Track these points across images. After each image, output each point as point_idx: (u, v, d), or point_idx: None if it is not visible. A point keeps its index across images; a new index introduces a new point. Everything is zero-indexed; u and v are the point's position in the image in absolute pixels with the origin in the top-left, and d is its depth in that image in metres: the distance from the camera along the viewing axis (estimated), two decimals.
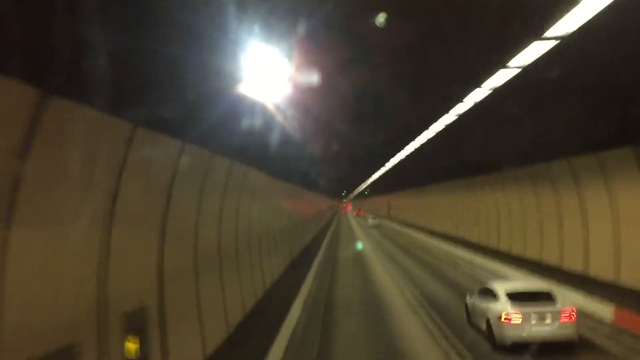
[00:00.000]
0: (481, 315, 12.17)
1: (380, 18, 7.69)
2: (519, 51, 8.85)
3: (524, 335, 10.68)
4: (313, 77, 9.71)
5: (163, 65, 6.38)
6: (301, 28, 7.27)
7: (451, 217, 37.42)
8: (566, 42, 8.13)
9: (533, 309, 10.79)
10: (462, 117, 14.44)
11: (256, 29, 6.62)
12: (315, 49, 8.55)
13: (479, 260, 25.32)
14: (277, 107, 10.97)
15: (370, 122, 17.12)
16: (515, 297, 11.23)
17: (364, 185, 68.34)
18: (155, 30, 5.62)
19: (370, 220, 67.73)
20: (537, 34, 8.06)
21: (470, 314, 13.34)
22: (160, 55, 5.97)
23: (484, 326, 11.88)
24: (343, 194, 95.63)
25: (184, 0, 5.36)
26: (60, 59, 4.87)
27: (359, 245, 38.86)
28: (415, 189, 48.39)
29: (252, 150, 13.18)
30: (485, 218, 28.75)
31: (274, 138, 13.30)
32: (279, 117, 11.67)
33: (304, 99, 11.39)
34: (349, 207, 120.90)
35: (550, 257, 19.70)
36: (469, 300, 13.60)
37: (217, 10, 5.85)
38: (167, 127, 7.71)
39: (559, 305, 10.91)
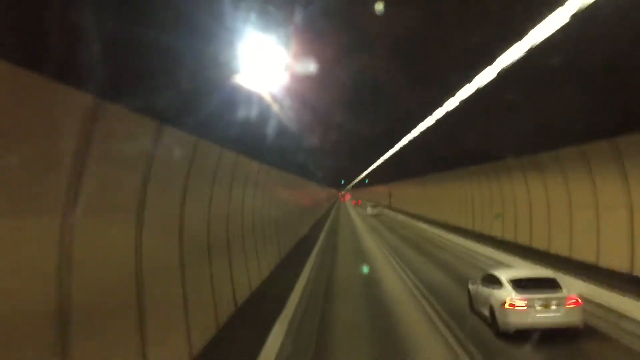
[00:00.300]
0: (484, 302, 12.05)
1: (379, 5, 7.55)
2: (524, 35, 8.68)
3: (528, 321, 10.59)
4: (311, 66, 9.57)
5: (158, 53, 6.23)
6: (299, 16, 7.12)
7: (463, 207, 34.11)
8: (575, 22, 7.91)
9: (538, 295, 10.71)
10: (467, 101, 13.86)
11: (253, 16, 6.46)
12: (313, 38, 8.40)
13: (512, 260, 20.04)
14: (274, 97, 10.82)
15: (369, 111, 17.01)
16: (520, 284, 11.15)
17: (363, 175, 66.52)
18: (150, 17, 5.49)
19: (370, 210, 66.47)
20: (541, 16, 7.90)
21: (472, 301, 13.19)
22: (155, 43, 5.83)
23: (487, 313, 11.77)
24: (342, 184, 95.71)
25: None
26: (54, 46, 4.77)
27: (360, 242, 33.33)
28: (419, 177, 45.45)
29: (249, 140, 13.05)
30: (509, 210, 25.26)
31: (271, 128, 13.16)
32: (276, 107, 11.52)
33: (302, 88, 11.25)
34: (347, 197, 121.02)
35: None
36: (471, 286, 13.43)
37: None
38: (161, 116, 7.56)
39: (564, 292, 10.84)
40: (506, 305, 10.74)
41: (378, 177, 62.81)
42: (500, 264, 19.02)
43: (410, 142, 24.33)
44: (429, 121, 18.27)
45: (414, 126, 20.20)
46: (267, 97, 10.57)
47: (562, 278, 12.97)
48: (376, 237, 36.25)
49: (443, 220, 39.39)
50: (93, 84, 5.40)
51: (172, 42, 6.02)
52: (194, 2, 5.65)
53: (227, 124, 10.36)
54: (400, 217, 57.42)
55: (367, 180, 75.03)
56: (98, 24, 4.82)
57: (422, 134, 20.96)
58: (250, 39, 7.12)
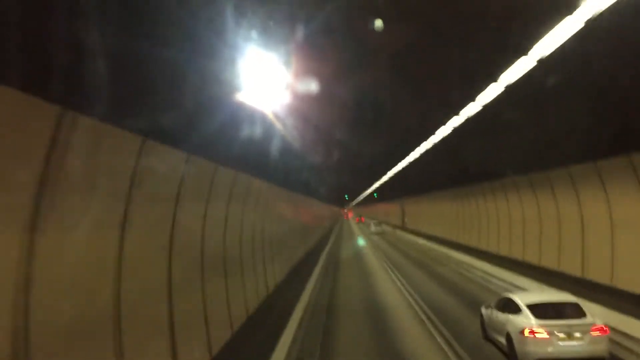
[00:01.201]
0: (499, 329, 11.14)
1: (379, 22, 7.62)
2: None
3: (549, 351, 9.74)
4: (312, 84, 9.63)
5: (160, 71, 6.28)
6: (300, 33, 7.18)
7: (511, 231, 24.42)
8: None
9: (560, 322, 9.89)
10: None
11: (254, 34, 6.52)
12: (314, 55, 8.46)
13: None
14: (277, 115, 10.87)
15: (372, 128, 17.03)
16: (539, 310, 10.26)
17: (368, 192, 63.88)
18: (154, 35, 5.54)
19: (373, 227, 63.73)
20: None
21: (486, 328, 12.19)
22: (159, 62, 5.89)
23: (503, 341, 10.86)
24: (346, 200, 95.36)
25: (183, 5, 5.26)
26: (58, 66, 4.80)
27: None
28: (445, 191, 35.06)
29: (251, 158, 13.06)
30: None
31: (274, 146, 13.19)
32: (278, 125, 11.56)
33: (304, 106, 11.30)
34: (350, 214, 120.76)
35: None
36: (484, 311, 12.41)
37: (215, 15, 5.76)
38: (167, 137, 7.59)
39: (588, 319, 10.02)
40: (525, 334, 9.90)
41: (387, 192, 56.26)
42: None
43: (432, 147, 20.69)
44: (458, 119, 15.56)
45: (431, 133, 18.07)
46: (270, 115, 10.62)
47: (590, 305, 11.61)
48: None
49: (486, 248, 27.98)
50: (96, 102, 5.43)
51: (175, 60, 6.06)
52: (196, 20, 5.71)
53: (230, 142, 10.38)
54: (421, 242, 43.30)
55: (375, 195, 66.45)
56: (101, 44, 4.87)
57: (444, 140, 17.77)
58: (252, 56, 7.18)
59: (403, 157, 26.59)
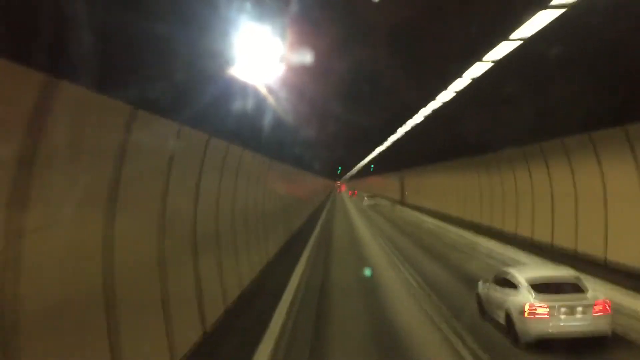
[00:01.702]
0: (498, 307, 10.74)
1: None
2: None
3: (551, 330, 9.41)
4: (307, 57, 9.45)
5: (152, 43, 6.13)
6: (295, 5, 7.01)
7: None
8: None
9: (561, 300, 9.53)
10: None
11: (248, 6, 6.35)
12: (309, 28, 8.29)
13: None
14: (270, 88, 10.71)
15: (366, 101, 16.89)
16: (539, 287, 9.88)
17: (362, 164, 59.87)
18: (144, 7, 5.38)
19: (366, 201, 62.80)
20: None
21: (483, 306, 11.75)
22: (149, 33, 5.74)
23: (501, 320, 10.52)
24: (338, 174, 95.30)
25: None
26: (45, 36, 4.67)
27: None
28: (455, 160, 30.67)
29: (245, 132, 12.95)
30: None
31: (267, 120, 13.06)
32: (272, 98, 11.42)
33: (298, 80, 11.14)
34: (344, 188, 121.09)
35: None
36: (481, 289, 11.96)
37: None
38: (158, 110, 7.46)
39: (590, 296, 9.69)
40: (526, 312, 9.55)
41: (385, 164, 50.47)
42: None
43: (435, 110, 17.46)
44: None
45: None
46: (263, 89, 10.46)
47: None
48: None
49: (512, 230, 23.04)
50: (85, 74, 5.30)
51: (166, 32, 5.91)
52: None
53: (223, 116, 10.26)
54: (429, 222, 36.47)
55: (372, 168, 61.17)
56: (90, 14, 4.73)
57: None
58: (246, 29, 7.01)
59: (402, 124, 23.01)
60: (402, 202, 56.10)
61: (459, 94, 14.61)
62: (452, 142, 25.48)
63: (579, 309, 9.44)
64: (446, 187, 36.61)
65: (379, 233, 31.15)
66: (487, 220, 26.73)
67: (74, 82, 5.31)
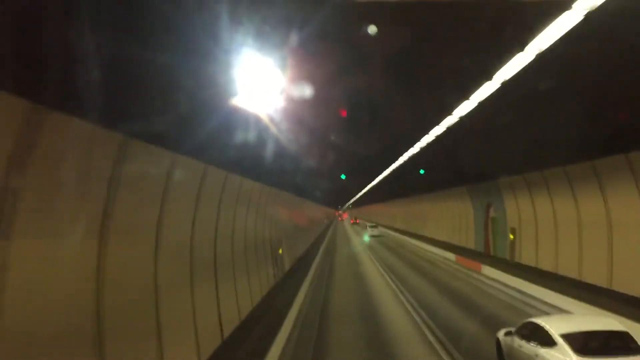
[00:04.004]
0: None
1: (373, 28, 7.67)
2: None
3: None
4: (307, 88, 9.66)
5: (156, 75, 6.29)
6: (295, 38, 7.22)
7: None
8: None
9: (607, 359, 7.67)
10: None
11: (250, 38, 6.55)
12: (309, 59, 8.50)
13: None
14: (272, 118, 10.89)
15: (367, 131, 17.06)
16: (578, 342, 7.97)
17: (362, 192, 59.25)
18: (148, 39, 5.54)
19: (370, 230, 56.93)
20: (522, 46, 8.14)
21: (505, 358, 9.90)
22: (153, 64, 5.89)
23: None
24: (339, 203, 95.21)
25: (178, 8, 5.28)
26: (51, 70, 4.79)
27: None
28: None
29: (247, 161, 13.07)
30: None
31: (269, 149, 13.20)
32: (273, 128, 11.58)
33: (299, 110, 11.32)
34: (345, 216, 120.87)
35: None
36: (502, 337, 10.12)
37: (211, 19, 5.78)
38: (160, 140, 7.60)
39: None
40: None
41: (384, 193, 49.55)
42: None
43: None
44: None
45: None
46: (265, 118, 10.63)
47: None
48: None
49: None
50: (91, 106, 5.43)
51: (170, 63, 6.07)
52: (192, 24, 5.73)
53: (224, 146, 10.39)
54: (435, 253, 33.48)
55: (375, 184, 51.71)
56: (95, 44, 4.86)
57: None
58: (248, 60, 7.21)
59: (399, 156, 23.42)
60: (410, 232, 52.17)
61: (462, 118, 14.74)
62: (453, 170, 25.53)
63: None
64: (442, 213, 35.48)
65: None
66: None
67: (78, 113, 5.44)
